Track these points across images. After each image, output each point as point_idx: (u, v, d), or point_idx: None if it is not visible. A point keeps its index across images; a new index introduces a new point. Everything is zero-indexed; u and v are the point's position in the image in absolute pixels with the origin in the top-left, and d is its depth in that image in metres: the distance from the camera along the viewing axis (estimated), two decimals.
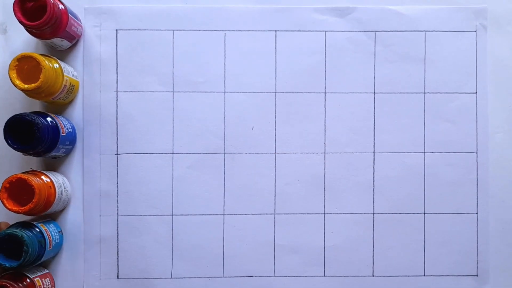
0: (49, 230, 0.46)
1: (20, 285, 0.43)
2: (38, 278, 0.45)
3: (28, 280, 0.44)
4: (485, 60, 0.51)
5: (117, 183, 0.49)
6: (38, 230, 0.45)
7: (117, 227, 0.49)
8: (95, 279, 0.49)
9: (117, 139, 0.50)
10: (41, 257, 0.45)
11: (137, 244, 0.49)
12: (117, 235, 0.49)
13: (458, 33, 0.51)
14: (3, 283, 0.42)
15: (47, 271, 0.48)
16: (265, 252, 0.50)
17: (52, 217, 0.49)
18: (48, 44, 0.48)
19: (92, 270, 0.49)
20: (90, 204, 0.49)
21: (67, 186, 0.48)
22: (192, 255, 0.50)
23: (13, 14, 0.44)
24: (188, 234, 0.49)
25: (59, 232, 0.48)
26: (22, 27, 0.45)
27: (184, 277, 0.49)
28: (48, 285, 0.47)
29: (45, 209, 0.45)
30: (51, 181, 0.46)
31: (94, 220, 0.49)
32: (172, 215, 0.50)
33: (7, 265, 0.42)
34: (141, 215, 0.49)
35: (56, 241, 0.47)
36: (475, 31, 0.51)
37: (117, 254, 0.49)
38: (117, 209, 0.50)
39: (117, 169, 0.49)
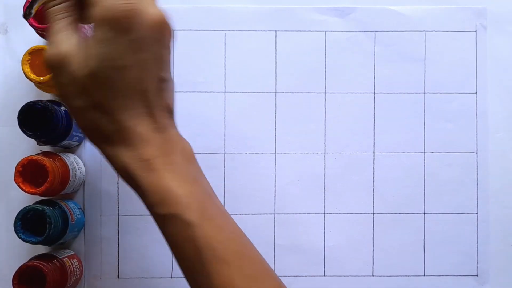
0: (68, 205, 0.47)
1: (51, 264, 0.43)
2: (66, 259, 0.46)
3: (57, 260, 0.45)
4: (485, 60, 0.51)
5: (118, 183, 0.50)
6: (58, 205, 0.45)
7: (118, 227, 0.50)
8: (95, 279, 0.49)
9: None
10: (65, 231, 0.45)
11: (137, 244, 0.49)
12: (118, 235, 0.50)
13: (458, 33, 0.51)
14: (35, 263, 0.43)
15: (73, 252, 0.48)
16: (265, 252, 0.50)
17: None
18: None
19: (92, 270, 0.49)
20: (90, 204, 0.50)
21: (79, 164, 0.49)
22: None
23: (14, 15, 0.44)
24: None
25: (79, 208, 0.48)
26: (23, 27, 0.45)
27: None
28: (76, 265, 0.47)
29: (62, 188, 0.45)
30: (62, 158, 0.46)
31: (94, 220, 0.49)
32: None
33: (34, 240, 0.43)
34: (141, 215, 0.49)
35: (78, 216, 0.47)
36: (475, 31, 0.51)
37: (118, 254, 0.50)
38: (118, 209, 0.50)
39: None
